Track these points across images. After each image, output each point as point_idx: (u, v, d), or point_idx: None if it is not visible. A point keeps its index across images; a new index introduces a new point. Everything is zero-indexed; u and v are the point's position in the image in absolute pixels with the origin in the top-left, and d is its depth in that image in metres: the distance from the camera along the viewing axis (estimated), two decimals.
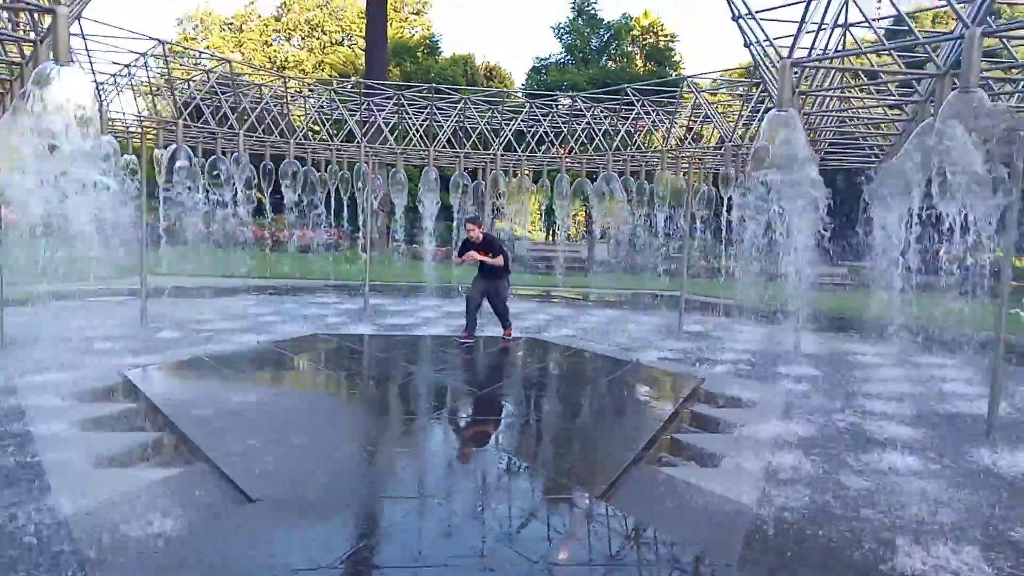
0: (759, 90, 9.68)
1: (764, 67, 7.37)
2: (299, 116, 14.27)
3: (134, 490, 4.44)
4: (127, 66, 9.10)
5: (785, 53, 6.11)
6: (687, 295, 11.91)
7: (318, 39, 57.56)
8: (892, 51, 7.75)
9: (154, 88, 9.98)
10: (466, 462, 5.24)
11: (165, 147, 9.69)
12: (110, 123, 11.45)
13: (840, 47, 8.95)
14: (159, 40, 8.66)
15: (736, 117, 11.87)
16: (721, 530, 4.27)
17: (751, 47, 7.63)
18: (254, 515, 4.15)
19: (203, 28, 57.09)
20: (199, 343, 9.53)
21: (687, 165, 11.39)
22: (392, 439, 5.83)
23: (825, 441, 6.10)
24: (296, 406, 6.49)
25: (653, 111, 11.89)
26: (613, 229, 13.47)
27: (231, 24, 59.04)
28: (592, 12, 35.92)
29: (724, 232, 10.22)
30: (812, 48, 6.31)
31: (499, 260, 9.64)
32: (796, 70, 5.54)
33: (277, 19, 59.02)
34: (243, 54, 44.74)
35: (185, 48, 9.73)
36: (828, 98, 10.16)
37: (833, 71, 7.14)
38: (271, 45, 56.82)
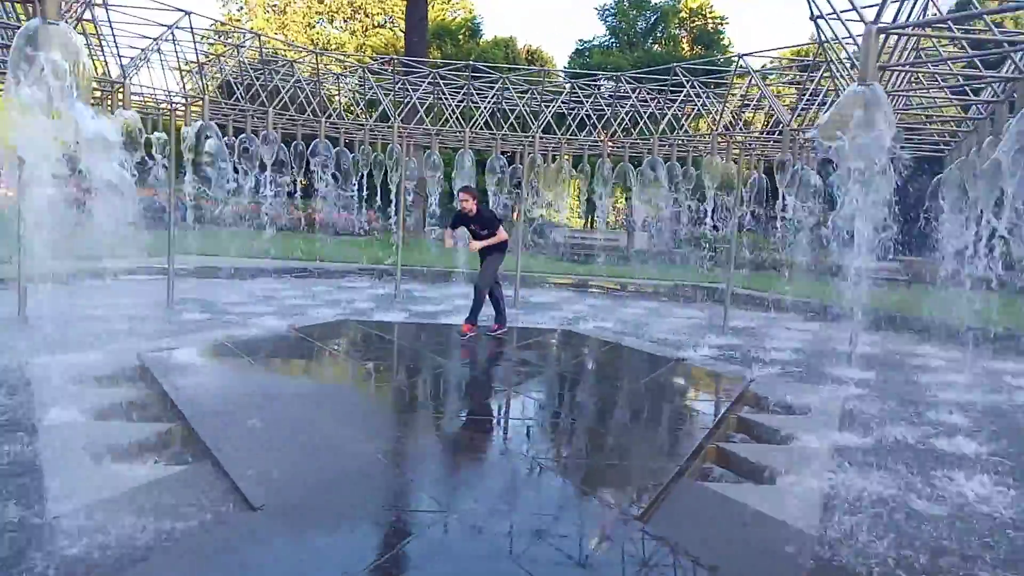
0: (821, 71, 8.93)
1: (831, 43, 6.70)
2: (333, 95, 13.91)
3: (128, 491, 4.06)
4: (155, 39, 8.79)
5: (862, 23, 5.44)
6: (733, 288, 11.25)
7: (360, 21, 57.33)
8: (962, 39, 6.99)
9: (183, 64, 9.69)
10: (490, 472, 4.77)
11: (190, 124, 9.37)
12: (142, 99, 11.22)
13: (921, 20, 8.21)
14: (185, 11, 8.30)
15: (795, 101, 11.13)
16: (778, 563, 3.73)
17: (818, 20, 6.96)
18: (254, 525, 3.75)
19: (247, 10, 57.25)
20: (224, 326, 9.23)
21: (738, 151, 10.68)
22: (413, 441, 5.40)
23: (889, 456, 5.47)
24: (314, 399, 6.09)
25: (703, 93, 11.18)
26: (655, 217, 12.81)
27: (275, 6, 59.14)
28: None
29: (778, 222, 9.51)
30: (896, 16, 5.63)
31: (500, 236, 8.84)
32: (882, 38, 4.91)
33: (320, 1, 58.92)
34: (286, 36, 44.71)
35: (214, 21, 9.43)
36: (897, 79, 9.39)
37: (909, 47, 6.44)
38: (314, 27, 56.79)
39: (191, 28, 8.50)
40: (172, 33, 8.58)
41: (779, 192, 9.10)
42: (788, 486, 4.74)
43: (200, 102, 9.37)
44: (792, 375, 8.25)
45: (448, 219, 9.66)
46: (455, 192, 13.44)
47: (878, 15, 4.77)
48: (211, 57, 10.50)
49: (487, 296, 9.03)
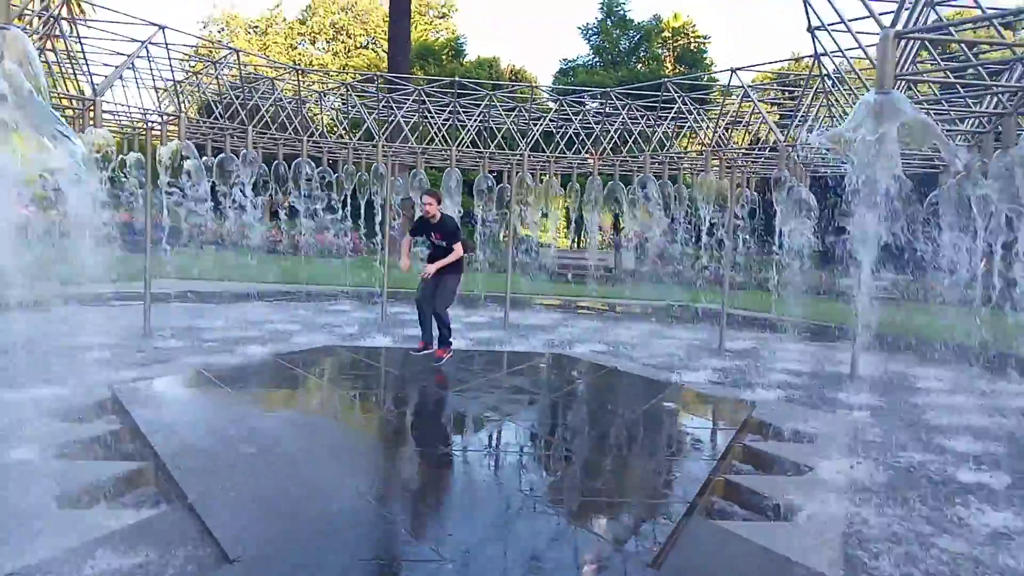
0: (816, 86, 8.76)
1: (830, 55, 6.52)
2: (315, 114, 13.60)
3: (91, 541, 3.68)
4: (129, 56, 8.45)
5: (862, 35, 5.26)
6: (728, 309, 10.99)
7: (343, 43, 57.29)
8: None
9: (160, 82, 9.36)
10: (485, 513, 4.40)
11: (166, 144, 9.03)
12: (117, 118, 10.86)
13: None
14: (159, 25, 7.98)
15: (781, 117, 11.00)
16: None
17: (816, 31, 6.79)
18: None
19: (228, 31, 57.06)
20: (203, 354, 8.82)
21: (729, 168, 10.49)
22: (401, 478, 5.03)
23: (903, 486, 5.19)
24: (297, 433, 5.70)
25: (694, 109, 11.00)
26: (645, 236, 12.57)
27: (256, 27, 59.00)
28: (621, 13, 35.02)
29: (776, 239, 9.28)
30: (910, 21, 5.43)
31: (457, 252, 7.99)
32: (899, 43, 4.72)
33: (302, 22, 58.86)
34: (267, 58, 44.42)
35: (194, 36, 9.06)
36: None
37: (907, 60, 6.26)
38: (296, 48, 56.65)
39: (166, 44, 8.17)
40: (147, 49, 8.24)
41: (774, 209, 8.88)
42: (806, 522, 4.43)
43: (175, 120, 9.03)
44: (795, 399, 7.98)
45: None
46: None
47: (894, 20, 4.57)
48: (188, 75, 10.17)
49: (431, 317, 8.33)
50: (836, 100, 9.53)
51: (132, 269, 9.88)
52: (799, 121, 9.57)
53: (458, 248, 7.93)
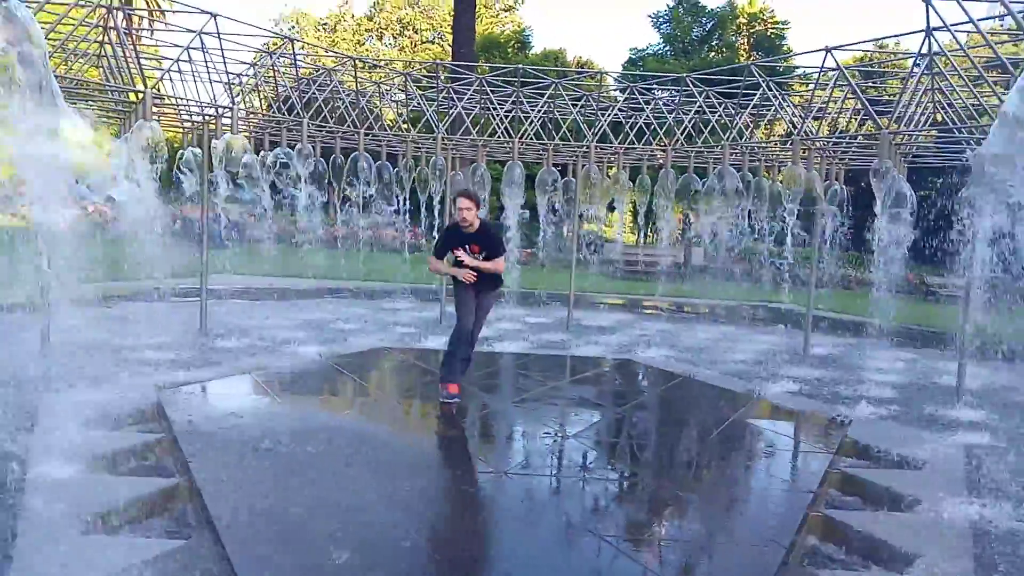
0: (924, 65, 7.77)
1: (953, 26, 5.66)
2: (375, 107, 13.26)
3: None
4: (184, 47, 8.21)
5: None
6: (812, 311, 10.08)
7: (409, 37, 57.52)
8: None
9: (214, 74, 9.11)
10: (546, 556, 3.82)
11: (220, 138, 8.78)
12: (176, 111, 10.73)
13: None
14: (211, 13, 7.68)
15: (874, 101, 9.98)
16: None
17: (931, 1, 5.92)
18: None
19: (298, 29, 58.03)
20: (256, 354, 8.54)
21: (818, 159, 9.56)
22: (455, 507, 4.49)
23: None
24: (343, 450, 5.21)
25: (778, 94, 10.09)
26: (722, 231, 11.72)
27: (325, 24, 59.84)
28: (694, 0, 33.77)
29: (877, 236, 8.36)
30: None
31: (500, 264, 6.43)
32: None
33: (370, 18, 59.39)
34: (324, 48, 44.79)
35: (243, 23, 8.78)
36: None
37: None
38: (363, 44, 57.17)
39: (218, 34, 7.86)
40: (201, 40, 7.97)
41: (877, 204, 7.96)
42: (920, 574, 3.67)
43: (228, 112, 8.75)
44: (893, 416, 7.10)
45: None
46: (503, 206, 12.69)
47: None
48: (245, 67, 9.94)
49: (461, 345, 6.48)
50: (942, 83, 8.51)
51: (194, 264, 9.73)
52: (902, 107, 8.57)
53: (501, 262, 6.43)
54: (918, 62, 7.73)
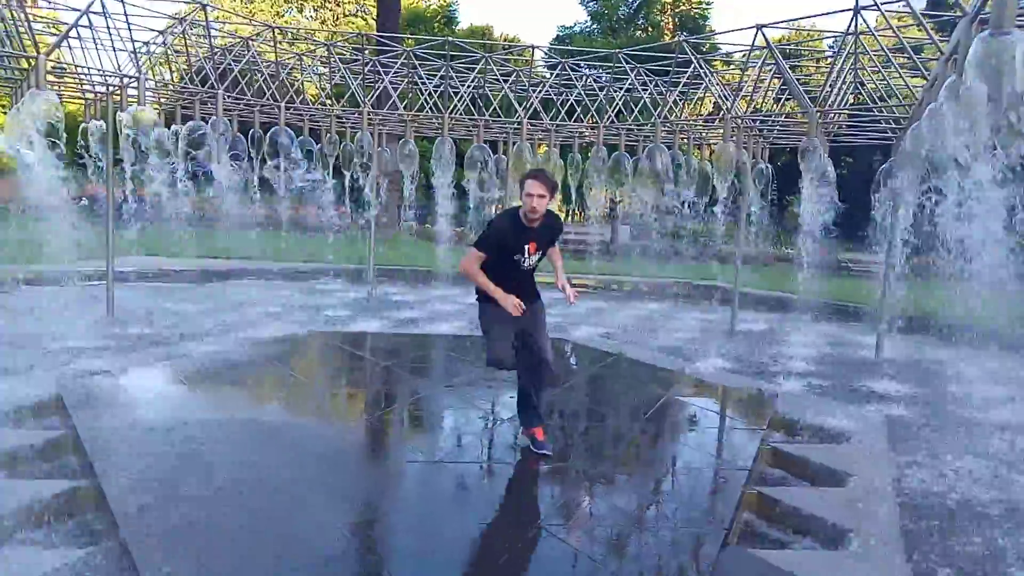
0: (851, 43, 7.90)
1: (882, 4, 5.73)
2: (296, 79, 12.66)
3: None
4: (83, 11, 7.53)
5: None
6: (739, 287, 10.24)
7: (331, 10, 55.61)
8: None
9: (118, 41, 8.41)
10: (489, 548, 3.67)
11: (125, 110, 8.14)
12: (76, 79, 9.93)
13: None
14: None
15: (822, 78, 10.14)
16: None
17: None
18: None
19: None
20: (169, 342, 8.04)
21: (746, 137, 9.66)
22: (393, 503, 4.26)
23: (969, 501, 4.49)
24: (266, 445, 4.89)
25: (708, 72, 10.12)
26: (651, 209, 11.77)
27: None
28: None
29: (800, 213, 8.54)
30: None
31: (558, 254, 5.13)
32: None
33: None
34: (253, 25, 43.01)
35: None
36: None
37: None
38: (282, 16, 54.95)
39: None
40: (102, 4, 7.32)
41: (802, 182, 8.11)
42: (858, 548, 3.70)
43: (134, 82, 8.11)
44: (819, 389, 7.27)
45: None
46: (432, 183, 12.34)
47: None
48: (156, 34, 9.23)
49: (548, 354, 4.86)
50: (867, 62, 8.73)
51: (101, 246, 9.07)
52: (828, 86, 8.72)
53: (557, 252, 5.08)
54: (843, 40, 7.85)
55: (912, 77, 9.37)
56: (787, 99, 11.55)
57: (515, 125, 11.48)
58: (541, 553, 3.59)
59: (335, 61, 11.57)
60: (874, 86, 10.40)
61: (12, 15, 7.44)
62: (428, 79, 12.12)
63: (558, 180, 13.82)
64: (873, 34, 7.53)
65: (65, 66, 9.05)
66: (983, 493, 4.64)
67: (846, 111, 9.72)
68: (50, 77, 10.57)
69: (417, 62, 11.58)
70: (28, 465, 4.41)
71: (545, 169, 5.24)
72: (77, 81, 9.97)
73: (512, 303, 4.42)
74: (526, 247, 4.59)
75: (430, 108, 12.23)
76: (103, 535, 3.60)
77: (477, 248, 4.57)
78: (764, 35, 7.74)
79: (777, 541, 4.01)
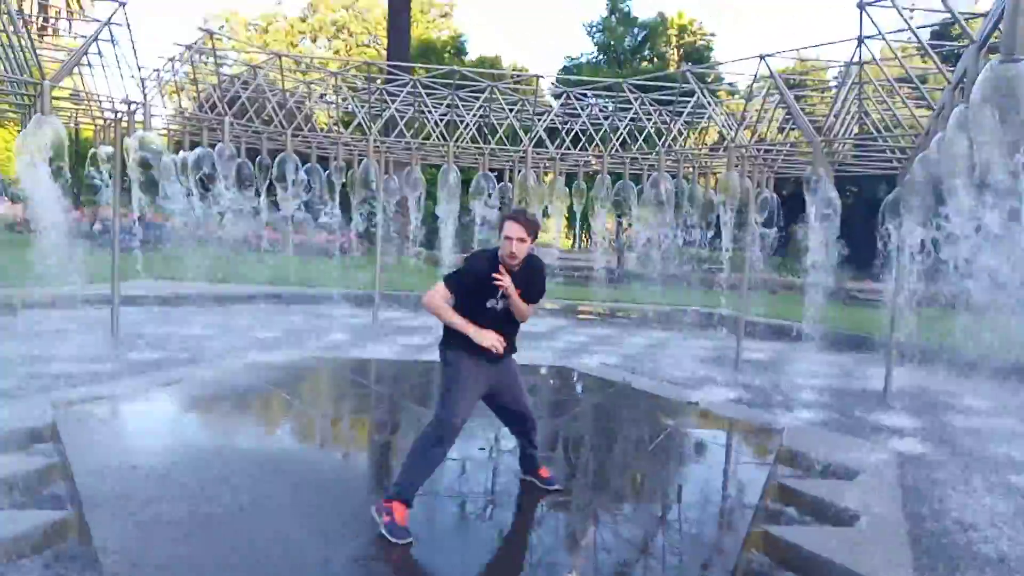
0: (855, 74, 7.91)
1: (888, 35, 5.72)
2: (303, 106, 12.76)
3: None
4: (90, 38, 7.62)
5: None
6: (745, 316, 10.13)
7: (344, 40, 56.54)
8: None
9: (125, 68, 8.54)
10: None
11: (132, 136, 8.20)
12: (87, 106, 10.04)
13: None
14: (119, 1, 7.13)
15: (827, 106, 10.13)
16: None
17: (866, 6, 5.97)
18: None
19: (228, 28, 56.27)
20: (173, 365, 8.00)
21: (750, 167, 9.64)
22: (374, 539, 4.13)
23: (986, 540, 4.35)
24: (266, 478, 4.75)
25: (712, 101, 10.14)
26: (657, 237, 11.73)
27: (256, 25, 58.26)
28: (626, 10, 34.20)
29: (805, 241, 8.49)
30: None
31: (531, 308, 4.31)
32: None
33: (303, 20, 58.15)
34: (243, 43, 43.50)
35: (159, 17, 8.29)
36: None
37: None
38: (296, 46, 55.87)
39: (127, 24, 7.33)
40: (109, 31, 7.41)
41: (808, 211, 8.07)
42: None
43: (138, 107, 8.18)
44: (826, 423, 7.13)
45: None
46: (436, 213, 12.31)
47: None
48: (165, 61, 9.36)
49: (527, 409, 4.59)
50: (872, 92, 8.73)
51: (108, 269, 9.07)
52: (833, 115, 8.71)
53: (532, 307, 4.33)
54: (847, 70, 7.86)
55: (917, 108, 9.36)
56: (792, 128, 11.56)
57: (520, 153, 11.51)
58: None
59: (344, 89, 11.66)
60: (879, 115, 10.39)
61: (19, 41, 7.53)
62: (435, 107, 12.20)
63: (564, 207, 13.90)
64: (878, 63, 7.53)
65: (78, 92, 9.14)
66: (1000, 533, 4.50)
67: (851, 140, 9.70)
68: (67, 104, 10.74)
69: (424, 91, 11.66)
70: (29, 494, 4.35)
71: (526, 210, 4.76)
72: (86, 107, 10.07)
73: (491, 339, 4.00)
74: (506, 294, 4.08)
75: (437, 136, 12.29)
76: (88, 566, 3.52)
77: (446, 284, 4.12)
78: (768, 64, 7.76)
79: None
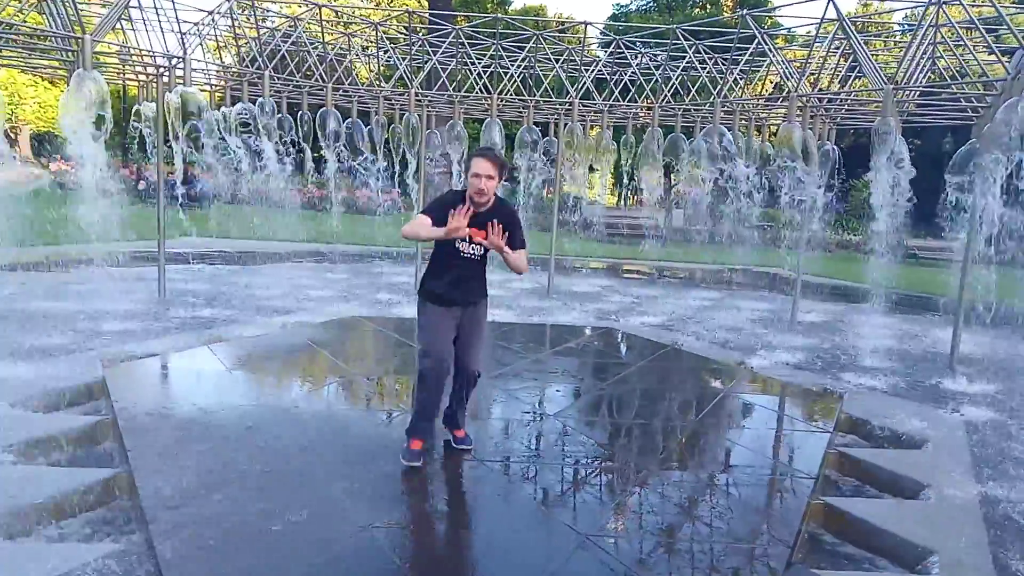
0: (933, 16, 7.29)
1: None
2: (342, 59, 12.50)
3: None
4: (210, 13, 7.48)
5: None
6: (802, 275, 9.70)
7: None
8: None
9: (166, 23, 8.39)
10: (513, 547, 3.41)
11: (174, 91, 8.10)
12: (129, 59, 9.98)
13: None
14: None
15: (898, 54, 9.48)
16: None
17: None
18: None
19: None
20: (218, 324, 8.01)
21: (812, 117, 9.08)
22: (418, 500, 4.03)
23: None
24: (307, 437, 4.69)
25: (772, 48, 9.54)
26: (704, 194, 11.28)
27: None
28: None
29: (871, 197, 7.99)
30: None
31: (523, 259, 4.31)
32: None
33: None
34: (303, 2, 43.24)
35: None
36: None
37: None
38: None
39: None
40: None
41: (874, 164, 7.56)
42: (946, 572, 3.33)
43: (180, 63, 8.05)
44: (888, 388, 6.78)
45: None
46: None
47: None
48: (205, 15, 9.19)
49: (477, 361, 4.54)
50: (949, 35, 8.08)
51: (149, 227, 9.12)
52: (907, 61, 8.10)
53: (524, 258, 4.33)
54: (925, 10, 7.24)
55: (991, 55, 8.66)
56: (857, 77, 10.88)
57: (566, 106, 11.11)
58: (581, 567, 3.31)
59: (383, 40, 11.37)
60: (949, 62, 9.68)
61: None
62: (478, 59, 11.83)
63: (610, 161, 13.45)
64: (961, 2, 6.90)
65: (122, 47, 9.07)
66: None
67: (922, 88, 9.05)
68: (112, 60, 10.71)
69: (467, 42, 11.28)
70: (70, 448, 4.36)
71: (494, 148, 5.02)
72: (130, 64, 10.01)
73: (459, 228, 3.97)
74: (477, 228, 4.09)
75: (480, 88, 11.95)
76: (135, 527, 3.49)
77: (426, 212, 4.22)
78: (835, 5, 7.20)
79: (848, 559, 3.66)
